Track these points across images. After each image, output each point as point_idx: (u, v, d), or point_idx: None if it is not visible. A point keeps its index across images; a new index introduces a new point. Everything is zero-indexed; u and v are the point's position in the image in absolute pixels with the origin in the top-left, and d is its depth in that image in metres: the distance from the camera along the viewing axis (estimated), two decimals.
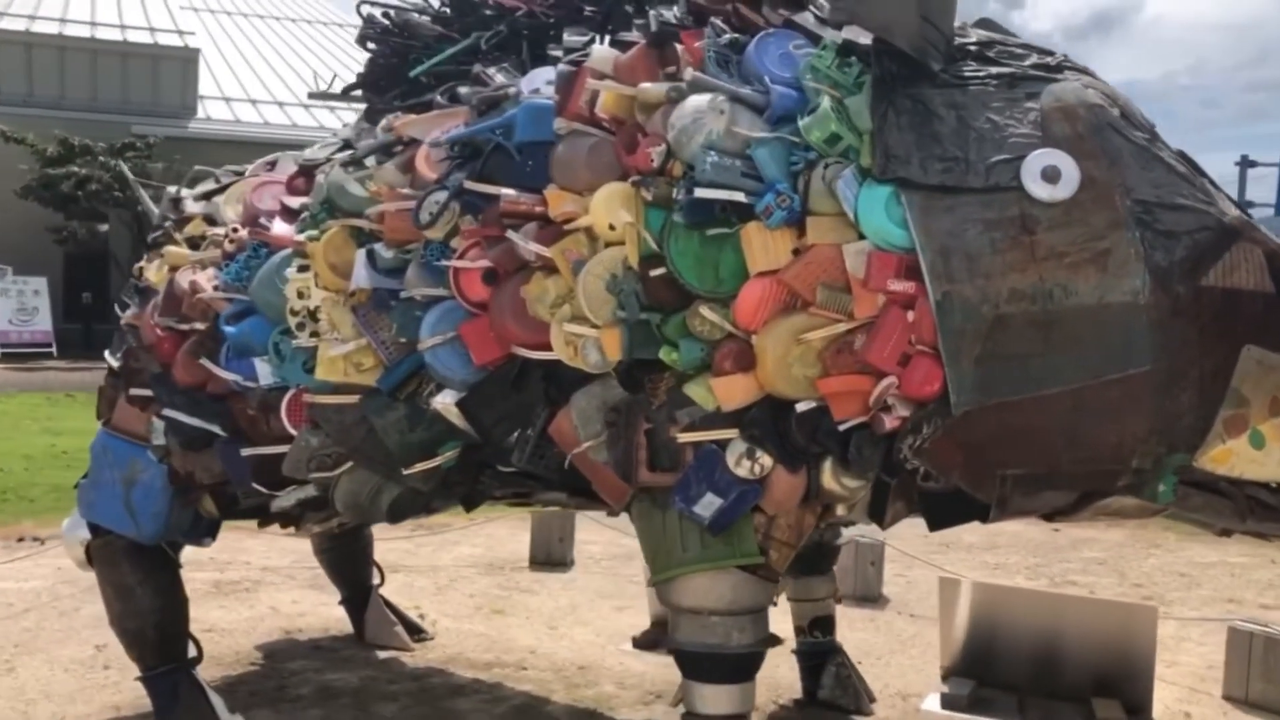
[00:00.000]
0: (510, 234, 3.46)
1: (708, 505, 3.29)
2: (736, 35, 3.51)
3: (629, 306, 3.33)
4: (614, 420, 3.45)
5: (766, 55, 3.43)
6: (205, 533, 4.28)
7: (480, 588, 6.41)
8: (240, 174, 4.43)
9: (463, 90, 3.88)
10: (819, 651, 4.78)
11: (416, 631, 5.37)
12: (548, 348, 3.49)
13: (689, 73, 3.37)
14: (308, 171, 4.09)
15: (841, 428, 3.25)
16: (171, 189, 4.72)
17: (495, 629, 5.61)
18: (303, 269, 3.77)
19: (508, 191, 3.48)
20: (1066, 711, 4.71)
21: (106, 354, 4.31)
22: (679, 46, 3.46)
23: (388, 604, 5.39)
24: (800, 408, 3.26)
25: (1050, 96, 3.34)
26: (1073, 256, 3.19)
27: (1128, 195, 3.22)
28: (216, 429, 3.88)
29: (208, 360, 3.85)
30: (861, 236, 3.22)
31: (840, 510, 3.51)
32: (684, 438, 3.33)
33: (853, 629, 5.69)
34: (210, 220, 4.19)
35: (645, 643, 5.39)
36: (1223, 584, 7.21)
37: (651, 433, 3.39)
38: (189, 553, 4.43)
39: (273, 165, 4.36)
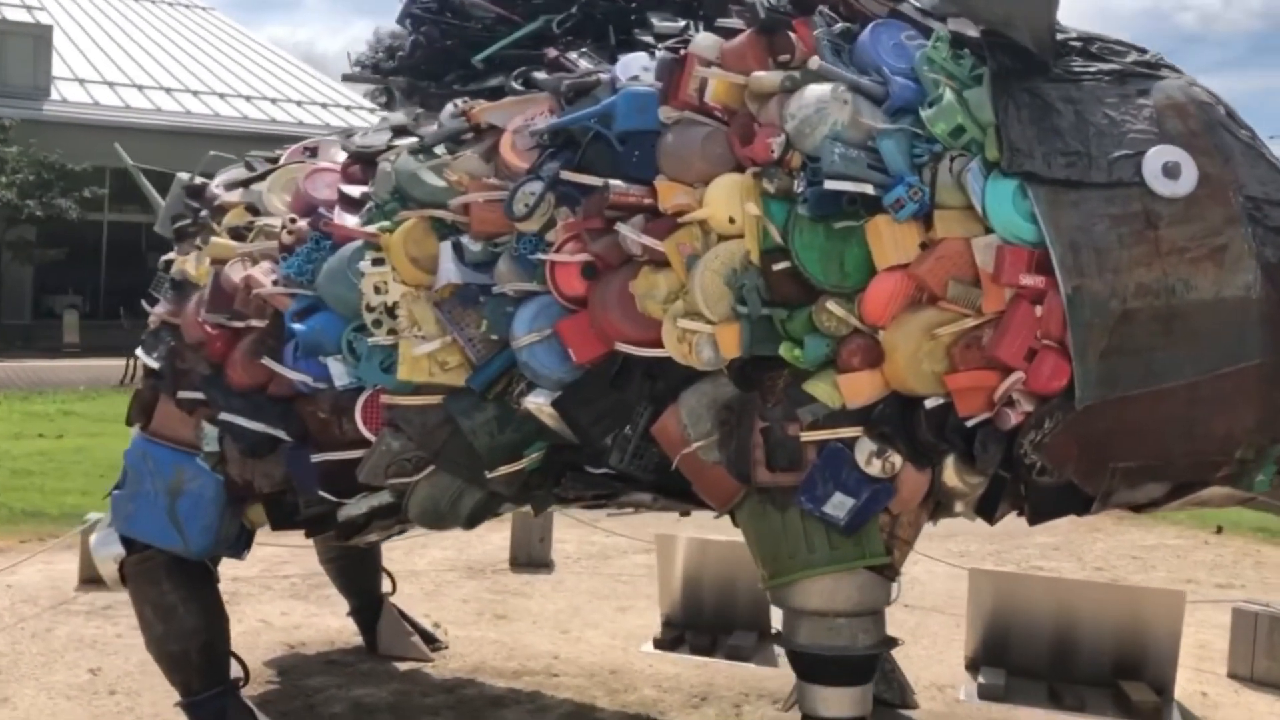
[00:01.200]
0: (621, 227, 3.31)
1: (839, 505, 3.21)
2: (848, 24, 3.44)
3: (751, 302, 3.23)
4: (727, 419, 3.34)
5: (881, 45, 3.37)
6: (245, 545, 3.99)
7: (470, 592, 6.20)
8: (273, 160, 4.14)
9: (539, 75, 3.70)
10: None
11: (431, 641, 5.14)
12: (655, 344, 3.36)
13: (814, 61, 3.28)
14: (365, 159, 3.84)
15: (969, 424, 3.23)
16: (183, 175, 4.39)
17: (506, 635, 5.42)
18: (377, 262, 3.54)
19: (616, 183, 3.33)
20: (1096, 696, 4.81)
21: (140, 353, 3.96)
22: (791, 34, 3.36)
23: (401, 613, 5.15)
24: (929, 404, 3.22)
25: (1162, 93, 3.37)
26: (1193, 252, 3.23)
27: (1240, 192, 3.28)
28: (281, 434, 3.62)
29: (271, 360, 3.58)
30: (988, 230, 3.20)
31: (958, 507, 3.48)
32: (808, 436, 3.25)
33: None
34: (253, 210, 3.90)
35: (666, 643, 5.29)
36: (1173, 565, 7.51)
37: (767, 431, 3.29)
38: None
39: (313, 151, 4.08)
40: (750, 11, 3.45)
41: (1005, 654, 5.03)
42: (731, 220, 3.26)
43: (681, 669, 5.00)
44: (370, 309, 3.54)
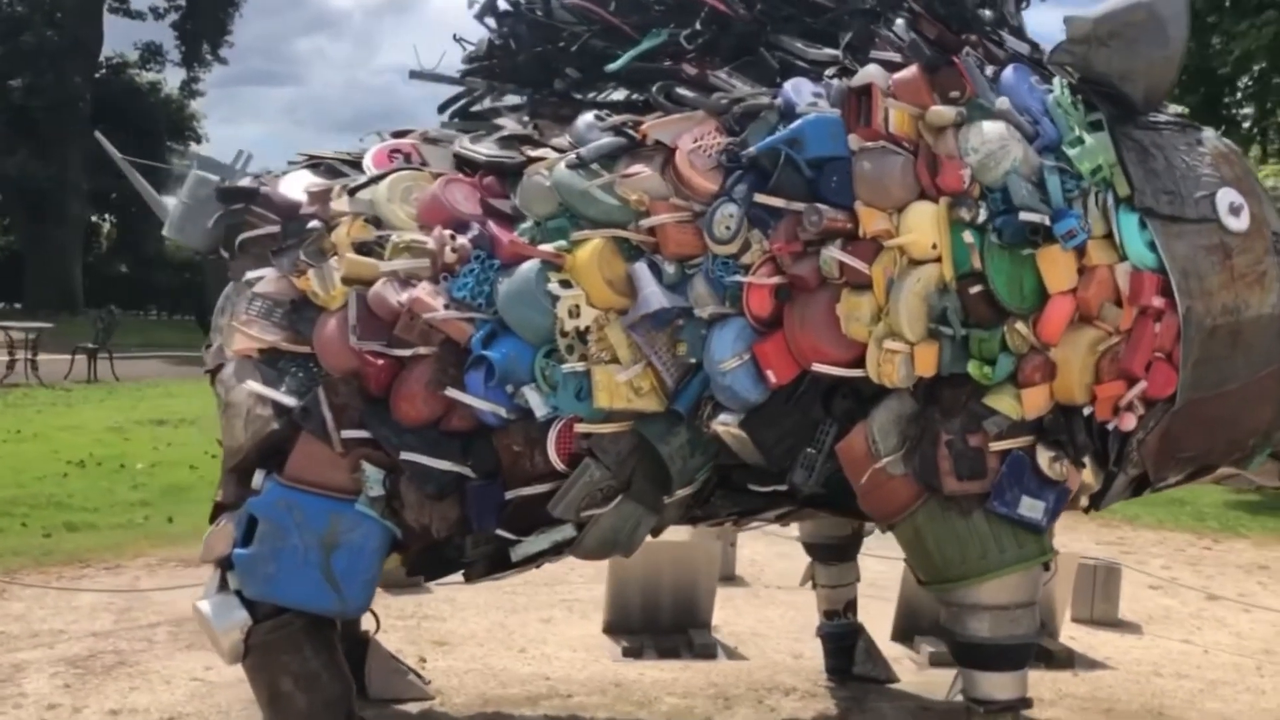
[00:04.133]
0: (833, 251, 3.40)
1: (1033, 508, 3.55)
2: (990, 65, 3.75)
3: (954, 323, 3.45)
4: (914, 434, 3.54)
5: (1025, 87, 3.71)
6: None
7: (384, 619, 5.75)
8: (351, 162, 3.67)
9: (685, 93, 3.64)
10: (851, 631, 5.11)
11: (418, 676, 4.76)
12: (852, 365, 3.50)
13: (1003, 101, 3.56)
14: (504, 170, 3.56)
15: (1109, 428, 3.69)
16: (199, 173, 3.75)
17: (466, 661, 5.14)
18: (565, 284, 3.33)
19: (825, 208, 3.40)
20: None
21: (256, 386, 3.33)
22: (961, 70, 3.60)
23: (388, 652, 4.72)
24: (1085, 412, 3.64)
25: (1211, 142, 4.02)
26: (1249, 277, 3.91)
27: (1268, 227, 4.02)
28: (468, 471, 3.29)
29: (457, 391, 3.24)
30: (1122, 258, 3.67)
31: (1083, 501, 3.92)
32: (997, 446, 3.55)
33: (757, 610, 6.08)
34: (375, 222, 3.46)
35: (634, 652, 5.31)
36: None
37: (950, 444, 3.54)
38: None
39: (406, 155, 3.68)
40: (914, 49, 3.64)
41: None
42: (934, 245, 3.46)
43: (671, 674, 5.05)
44: (564, 334, 3.33)
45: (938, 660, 5.35)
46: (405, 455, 3.23)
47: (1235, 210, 3.89)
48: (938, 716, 4.72)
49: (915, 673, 5.25)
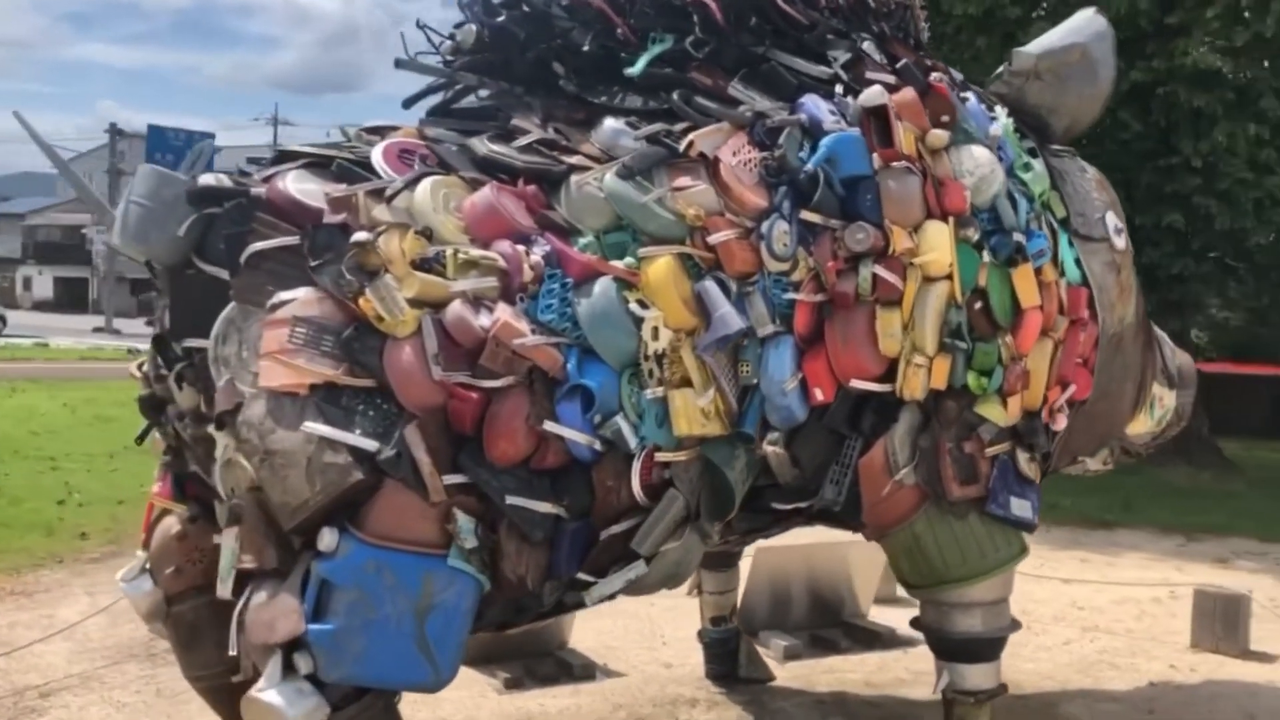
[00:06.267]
0: (879, 269, 3.47)
1: (1021, 508, 3.85)
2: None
3: (966, 337, 3.66)
4: (924, 444, 3.70)
5: (982, 113, 3.98)
6: None
7: None
8: (358, 163, 3.15)
9: (706, 103, 3.51)
10: (735, 636, 5.16)
11: None
12: (883, 380, 3.58)
13: (997, 126, 3.80)
14: (542, 177, 3.22)
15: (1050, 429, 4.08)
16: (158, 170, 3.06)
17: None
18: (641, 304, 3.11)
19: (867, 225, 3.45)
20: (838, 634, 5.86)
21: (322, 428, 2.69)
22: (947, 95, 3.78)
23: None
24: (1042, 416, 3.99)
25: (1091, 169, 4.56)
26: (1128, 291, 4.53)
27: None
28: (562, 511, 2.95)
29: (557, 425, 2.91)
30: (1061, 274, 4.07)
31: None
32: (991, 452, 3.81)
33: (592, 623, 5.97)
34: (426, 234, 2.99)
35: (515, 683, 5.02)
36: None
37: (950, 452, 3.75)
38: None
39: (424, 156, 3.22)
40: (907, 72, 3.77)
41: (784, 617, 5.82)
42: (952, 264, 3.62)
43: (577, 701, 4.86)
44: (646, 358, 3.10)
45: (791, 654, 5.58)
46: (511, 500, 2.85)
47: (1119, 231, 4.43)
48: (838, 708, 4.92)
49: (777, 668, 5.40)
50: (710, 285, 3.24)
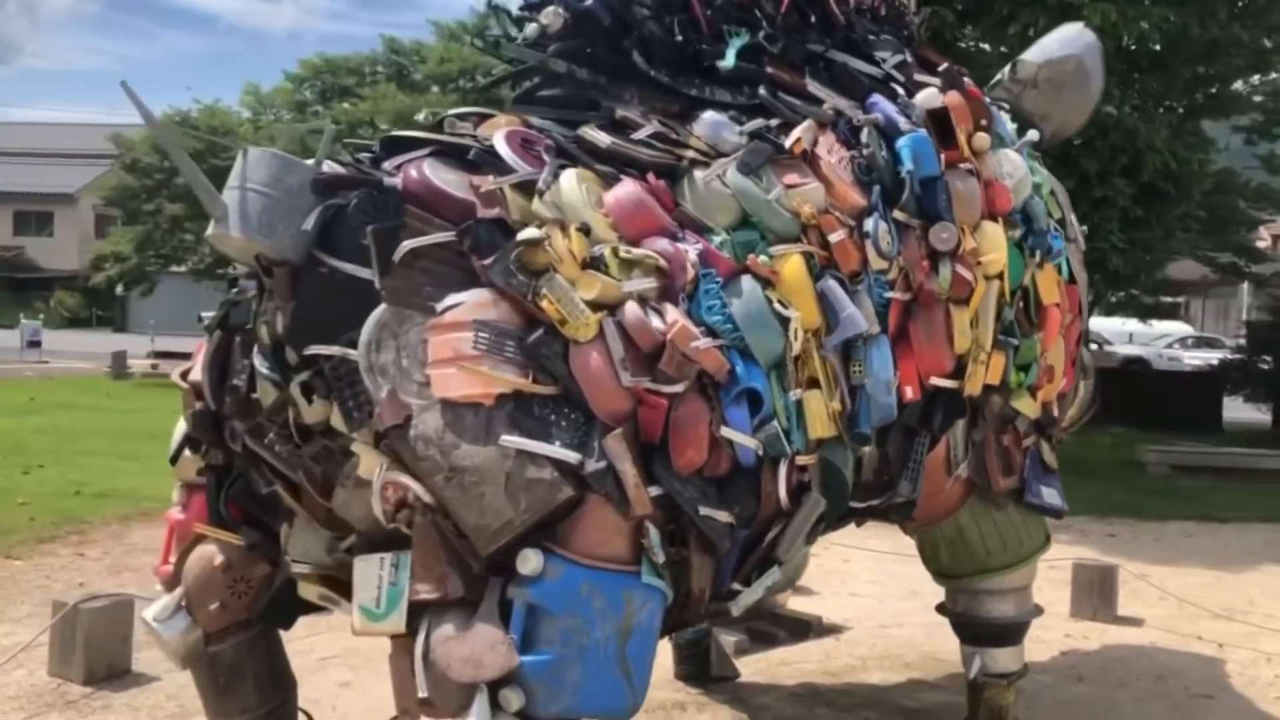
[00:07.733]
0: (960, 268, 3.55)
1: (1052, 496, 4.05)
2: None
3: (1017, 334, 3.82)
4: (976, 438, 3.84)
5: (1004, 120, 4.15)
6: None
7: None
8: (492, 154, 2.87)
9: (791, 100, 3.46)
10: (705, 636, 5.11)
11: None
12: (954, 376, 3.66)
13: (1032, 134, 3.94)
14: (668, 172, 3.07)
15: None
16: (278, 154, 2.68)
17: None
18: (782, 303, 3.04)
19: (951, 226, 3.53)
20: (769, 626, 5.95)
21: (522, 441, 2.37)
22: (983, 99, 3.91)
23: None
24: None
25: (1049, 174, 4.82)
26: (1085, 289, 4.79)
27: None
28: (732, 520, 2.82)
29: (733, 431, 2.78)
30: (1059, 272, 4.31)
31: None
32: (1026, 443, 3.98)
33: None
34: (585, 230, 2.76)
35: None
36: None
37: (994, 445, 3.90)
38: None
39: (541, 146, 2.98)
40: (952, 78, 3.86)
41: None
42: (1004, 263, 3.75)
43: None
44: (792, 359, 3.03)
45: (741, 649, 5.60)
46: (704, 510, 2.68)
47: (1082, 233, 4.74)
48: (816, 699, 4.99)
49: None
50: (834, 284, 3.20)
